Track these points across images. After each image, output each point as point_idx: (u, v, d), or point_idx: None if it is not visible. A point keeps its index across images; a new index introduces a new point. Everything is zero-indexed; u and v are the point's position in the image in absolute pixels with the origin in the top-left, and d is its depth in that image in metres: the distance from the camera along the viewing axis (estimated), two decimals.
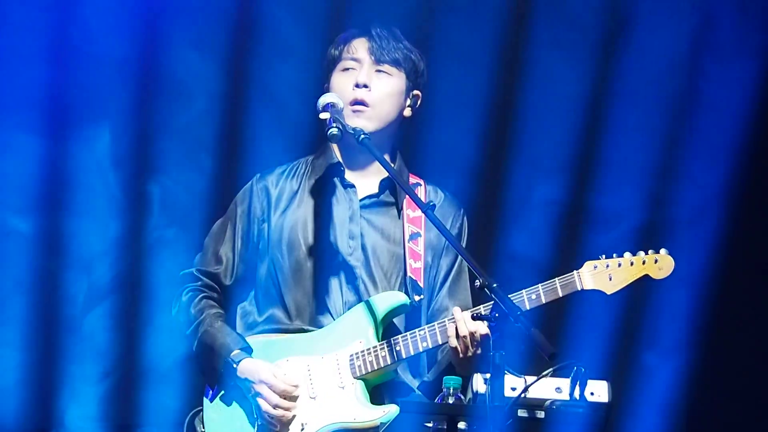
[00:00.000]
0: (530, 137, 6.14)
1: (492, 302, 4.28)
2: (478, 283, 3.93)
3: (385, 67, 4.71)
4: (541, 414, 3.91)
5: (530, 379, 3.90)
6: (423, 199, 4.72)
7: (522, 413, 3.90)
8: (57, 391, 5.91)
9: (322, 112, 4.49)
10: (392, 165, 4.73)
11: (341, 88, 4.67)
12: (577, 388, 3.91)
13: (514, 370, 3.91)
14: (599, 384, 3.95)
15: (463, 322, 4.39)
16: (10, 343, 6.02)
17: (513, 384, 3.90)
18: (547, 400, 3.92)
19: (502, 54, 6.06)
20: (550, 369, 3.85)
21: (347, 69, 4.71)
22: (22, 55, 5.90)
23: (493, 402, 3.72)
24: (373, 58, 4.70)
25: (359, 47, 4.72)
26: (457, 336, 4.40)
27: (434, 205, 4.22)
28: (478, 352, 4.40)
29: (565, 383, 3.93)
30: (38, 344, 6.01)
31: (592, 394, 3.93)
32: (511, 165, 6.32)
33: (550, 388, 3.93)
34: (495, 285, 3.89)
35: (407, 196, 4.69)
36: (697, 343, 5.89)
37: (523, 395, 3.88)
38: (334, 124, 4.42)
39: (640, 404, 5.84)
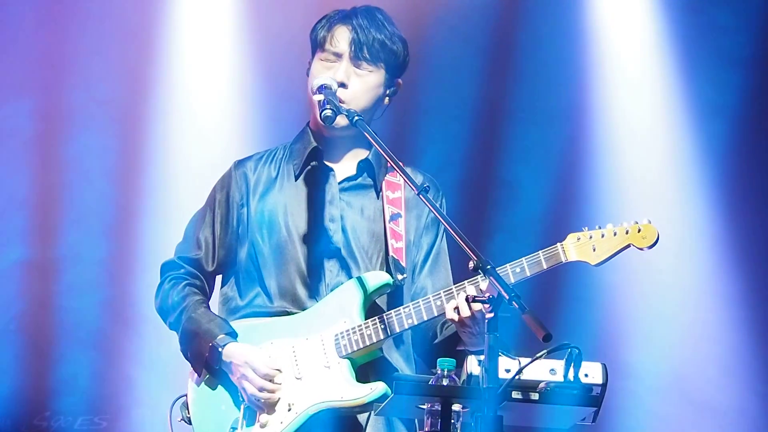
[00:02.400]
0: (515, 124, 6.19)
1: (474, 278, 4.34)
2: (472, 264, 3.93)
3: (363, 65, 4.69)
4: (535, 396, 3.90)
5: (524, 360, 3.89)
6: (401, 180, 4.74)
7: (516, 395, 3.88)
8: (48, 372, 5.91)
9: (316, 93, 4.49)
10: (370, 151, 4.75)
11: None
12: (572, 369, 3.90)
13: (508, 352, 3.90)
14: (594, 366, 3.94)
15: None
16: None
17: (507, 366, 3.88)
18: (541, 381, 3.91)
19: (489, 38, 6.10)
20: (545, 351, 3.84)
21: (327, 61, 4.68)
22: None
23: (488, 384, 3.72)
24: (352, 53, 4.67)
25: (341, 39, 4.69)
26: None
27: (428, 187, 4.21)
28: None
29: (559, 365, 3.92)
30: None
31: (586, 375, 3.91)
32: (492, 148, 6.37)
33: (544, 369, 3.91)
34: (489, 266, 3.89)
35: (386, 178, 4.74)
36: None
37: (517, 377, 3.86)
38: (328, 106, 4.42)
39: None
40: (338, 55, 4.69)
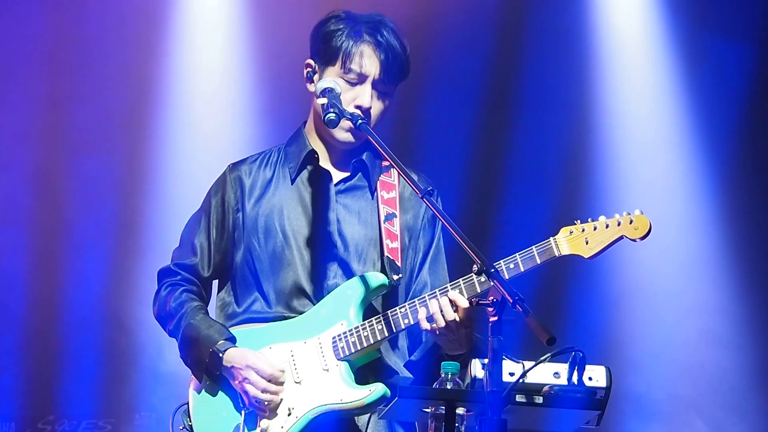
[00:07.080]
0: (511, 118, 6.21)
1: (470, 275, 4.36)
2: (476, 268, 3.93)
3: (384, 87, 4.65)
4: (539, 399, 3.91)
5: (528, 364, 3.90)
6: (396, 180, 4.75)
7: (520, 398, 3.90)
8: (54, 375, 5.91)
9: (320, 97, 4.46)
10: (365, 152, 4.73)
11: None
12: (576, 373, 3.91)
13: (512, 355, 3.91)
14: (597, 369, 3.96)
15: (439, 313, 4.40)
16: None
17: (511, 369, 3.90)
18: (545, 385, 3.92)
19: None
20: (549, 354, 3.85)
21: (350, 81, 4.62)
22: None
23: (492, 387, 3.72)
24: (379, 78, 4.62)
25: (369, 62, 4.61)
26: (428, 318, 4.41)
27: (432, 190, 4.22)
28: (461, 331, 4.41)
29: (563, 368, 3.93)
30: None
31: (590, 379, 3.93)
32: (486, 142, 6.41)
33: (548, 373, 3.93)
34: (493, 270, 3.89)
35: (380, 178, 4.74)
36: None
37: (521, 380, 3.87)
38: (332, 110, 4.39)
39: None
40: (363, 77, 4.63)
